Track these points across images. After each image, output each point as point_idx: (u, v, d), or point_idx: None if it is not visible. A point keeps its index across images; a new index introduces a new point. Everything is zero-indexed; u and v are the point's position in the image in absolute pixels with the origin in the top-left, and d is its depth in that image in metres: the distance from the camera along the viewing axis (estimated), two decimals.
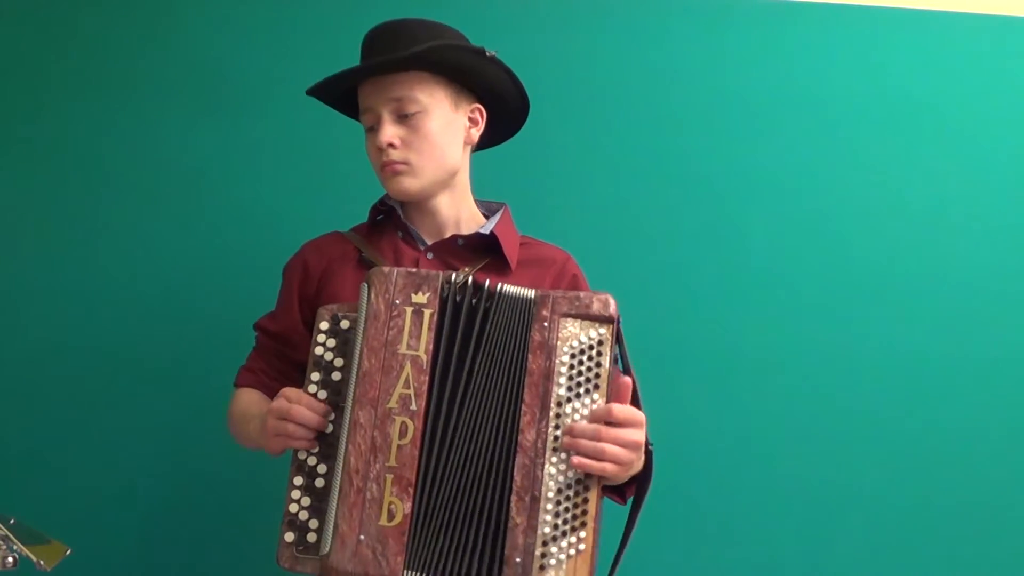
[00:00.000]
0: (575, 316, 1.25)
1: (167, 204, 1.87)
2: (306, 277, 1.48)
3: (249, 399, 1.46)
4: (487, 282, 1.28)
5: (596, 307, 1.25)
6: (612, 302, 1.25)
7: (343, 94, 1.49)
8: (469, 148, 1.50)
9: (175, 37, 1.91)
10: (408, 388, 1.23)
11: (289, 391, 1.27)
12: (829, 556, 1.80)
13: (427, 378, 1.23)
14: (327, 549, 1.19)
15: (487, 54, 1.41)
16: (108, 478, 1.81)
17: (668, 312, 1.84)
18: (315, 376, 1.27)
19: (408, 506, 1.19)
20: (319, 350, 1.28)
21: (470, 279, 1.28)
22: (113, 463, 1.81)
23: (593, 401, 1.22)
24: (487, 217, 1.52)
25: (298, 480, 1.25)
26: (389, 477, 1.20)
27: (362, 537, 1.18)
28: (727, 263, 1.86)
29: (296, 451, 1.26)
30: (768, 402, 1.82)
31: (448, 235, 1.48)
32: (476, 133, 1.49)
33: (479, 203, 1.54)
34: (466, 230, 1.49)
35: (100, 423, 1.82)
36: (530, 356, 1.23)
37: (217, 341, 1.82)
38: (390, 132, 1.41)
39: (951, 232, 1.87)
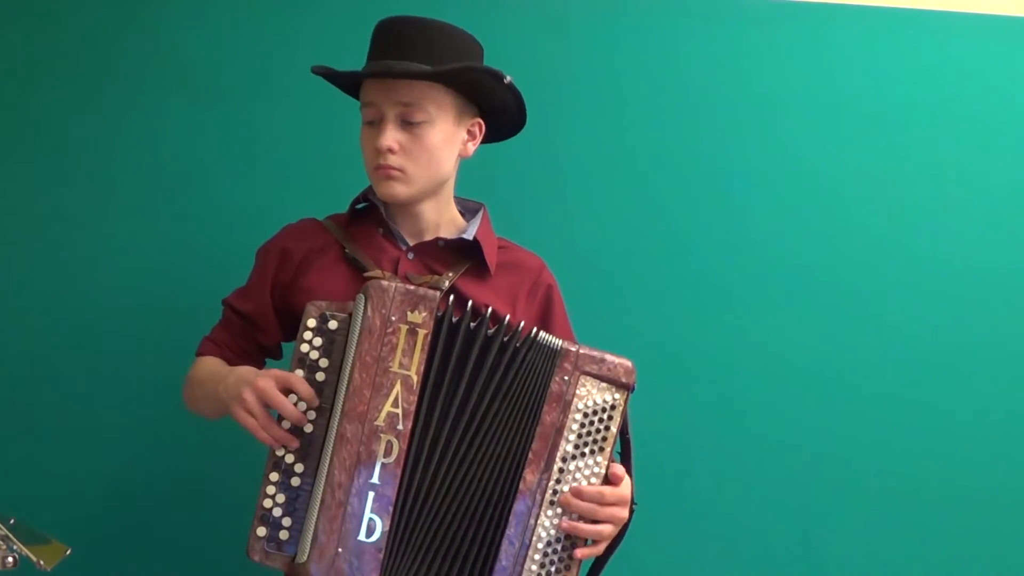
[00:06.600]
0: (595, 376, 1.27)
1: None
2: (283, 263, 1.46)
3: (213, 365, 1.43)
4: (489, 310, 1.29)
5: (620, 373, 1.28)
6: (634, 371, 1.28)
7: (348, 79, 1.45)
8: (460, 159, 1.49)
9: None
10: (396, 407, 1.24)
11: (279, 375, 1.24)
12: (829, 555, 1.84)
13: (416, 399, 1.25)
14: (304, 558, 1.22)
15: (505, 80, 1.39)
16: (108, 478, 1.80)
17: (666, 311, 1.85)
18: (299, 373, 1.26)
19: (387, 524, 1.23)
20: (304, 347, 1.26)
21: (475, 306, 1.29)
22: (113, 463, 1.82)
23: (596, 463, 1.27)
24: (463, 215, 1.52)
25: (274, 476, 1.25)
26: (371, 494, 1.23)
27: (340, 550, 1.22)
28: (725, 262, 1.87)
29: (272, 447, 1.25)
30: (769, 401, 1.84)
31: (429, 237, 1.47)
32: (472, 147, 1.48)
33: (456, 200, 1.53)
34: (445, 233, 1.49)
35: (100, 423, 1.81)
36: (545, 406, 1.26)
37: None
38: (392, 136, 1.38)
39: (952, 231, 1.88)
